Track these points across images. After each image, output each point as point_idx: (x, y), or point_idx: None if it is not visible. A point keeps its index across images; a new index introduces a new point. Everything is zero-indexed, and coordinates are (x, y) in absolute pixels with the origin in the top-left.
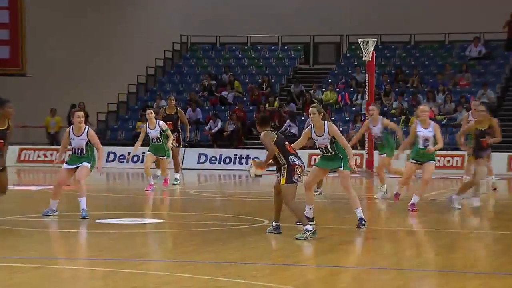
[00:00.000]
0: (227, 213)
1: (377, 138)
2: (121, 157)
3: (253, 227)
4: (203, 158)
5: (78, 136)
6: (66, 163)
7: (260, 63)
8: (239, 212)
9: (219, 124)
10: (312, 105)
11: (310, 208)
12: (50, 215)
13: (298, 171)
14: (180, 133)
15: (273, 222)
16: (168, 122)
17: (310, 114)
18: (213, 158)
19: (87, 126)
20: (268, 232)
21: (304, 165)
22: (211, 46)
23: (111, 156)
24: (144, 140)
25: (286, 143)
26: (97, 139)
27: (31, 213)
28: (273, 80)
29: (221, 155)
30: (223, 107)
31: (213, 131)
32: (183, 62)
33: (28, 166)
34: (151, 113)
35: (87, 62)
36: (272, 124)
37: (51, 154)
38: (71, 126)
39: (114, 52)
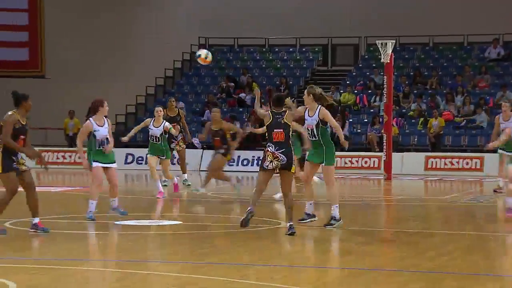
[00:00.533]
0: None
1: None
2: (139, 159)
3: (271, 229)
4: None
5: (101, 126)
6: (96, 161)
7: (278, 65)
8: (256, 214)
9: (237, 126)
10: (308, 86)
11: (310, 204)
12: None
13: (268, 158)
14: (184, 135)
15: (287, 223)
16: (171, 124)
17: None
18: (231, 160)
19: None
20: (287, 234)
21: (275, 152)
22: (229, 48)
23: (129, 158)
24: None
25: (276, 130)
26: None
27: (49, 215)
28: (291, 82)
29: (239, 157)
30: (241, 109)
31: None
32: (201, 64)
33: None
34: (160, 111)
35: (102, 63)
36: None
37: (70, 156)
38: (90, 118)
39: (130, 53)
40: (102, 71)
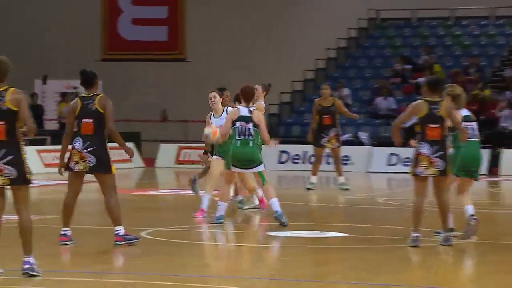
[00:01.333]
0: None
1: None
2: (295, 157)
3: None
4: (394, 159)
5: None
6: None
7: (467, 42)
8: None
9: (414, 117)
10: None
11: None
12: (220, 222)
13: (422, 162)
14: (339, 130)
15: (442, 233)
16: (324, 116)
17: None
18: (405, 159)
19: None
20: (440, 244)
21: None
22: (405, 22)
23: (284, 156)
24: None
25: (430, 126)
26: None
27: (190, 223)
28: (483, 63)
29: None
30: (419, 97)
31: (406, 125)
32: (371, 43)
33: (188, 168)
34: (214, 97)
35: (252, 46)
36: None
37: None
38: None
39: (285, 31)
40: (251, 54)
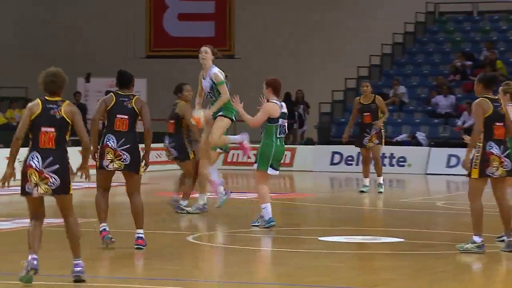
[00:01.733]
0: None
1: None
2: (349, 158)
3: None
4: (453, 161)
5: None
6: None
7: None
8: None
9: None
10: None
11: None
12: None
13: (494, 162)
14: (381, 129)
15: (505, 237)
16: (364, 114)
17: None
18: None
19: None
20: (503, 250)
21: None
22: (466, 16)
23: (337, 158)
24: None
25: (497, 124)
26: None
27: (237, 227)
28: None
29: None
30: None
31: (465, 126)
32: (429, 37)
33: (236, 170)
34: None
35: (303, 41)
36: None
37: None
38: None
39: (337, 27)
40: (302, 50)
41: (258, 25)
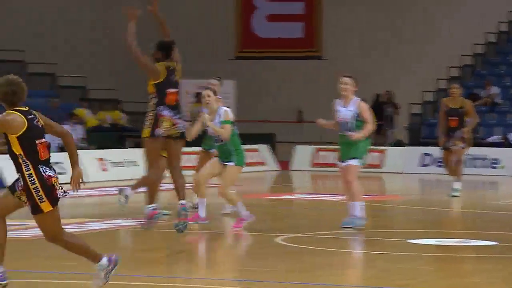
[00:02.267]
0: None
1: None
2: (439, 160)
3: None
4: None
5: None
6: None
7: None
8: None
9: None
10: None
11: None
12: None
13: None
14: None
15: None
16: (450, 118)
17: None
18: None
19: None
20: None
21: None
22: None
23: (427, 159)
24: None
25: None
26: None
27: (327, 229)
28: None
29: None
30: None
31: None
32: None
33: (323, 171)
34: (209, 96)
35: (391, 42)
36: None
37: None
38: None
39: (427, 27)
40: (391, 50)
41: (346, 26)
